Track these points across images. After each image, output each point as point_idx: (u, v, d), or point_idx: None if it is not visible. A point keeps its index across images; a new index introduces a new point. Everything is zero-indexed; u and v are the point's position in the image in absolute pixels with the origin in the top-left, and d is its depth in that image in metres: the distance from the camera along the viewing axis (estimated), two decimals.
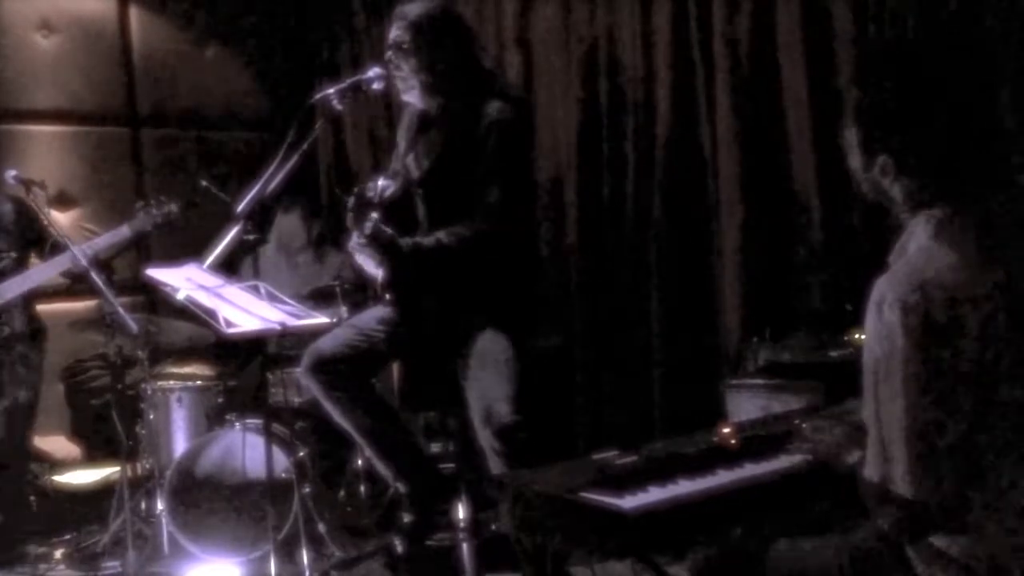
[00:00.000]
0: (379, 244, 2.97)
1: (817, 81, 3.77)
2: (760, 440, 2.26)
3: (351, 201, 3.08)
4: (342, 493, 4.41)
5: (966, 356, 1.69)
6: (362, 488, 4.35)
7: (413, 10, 3.17)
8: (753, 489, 2.08)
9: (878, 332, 1.73)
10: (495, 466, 3.07)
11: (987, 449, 1.71)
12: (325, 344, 3.24)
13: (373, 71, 3.22)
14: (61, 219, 5.10)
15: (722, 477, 2.10)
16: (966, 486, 1.72)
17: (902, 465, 1.71)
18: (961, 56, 1.93)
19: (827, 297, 3.78)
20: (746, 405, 3.41)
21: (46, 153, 5.36)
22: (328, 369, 3.19)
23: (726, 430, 2.26)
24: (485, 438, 3.08)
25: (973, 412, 1.69)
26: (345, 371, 3.20)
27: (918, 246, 1.81)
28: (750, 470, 2.14)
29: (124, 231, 4.19)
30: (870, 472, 1.78)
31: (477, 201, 3.02)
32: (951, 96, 1.83)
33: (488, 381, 3.06)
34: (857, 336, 3.45)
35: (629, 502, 1.90)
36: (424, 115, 3.28)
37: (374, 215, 2.97)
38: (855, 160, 1.92)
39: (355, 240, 3.05)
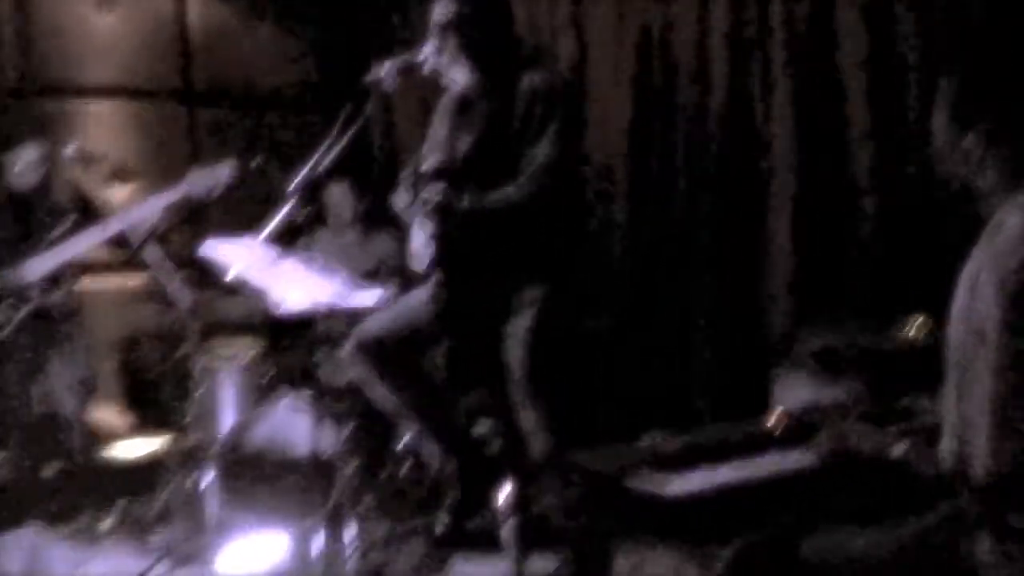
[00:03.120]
0: (435, 209, 2.98)
1: (878, 66, 3.70)
2: (808, 429, 2.24)
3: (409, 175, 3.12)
4: (386, 472, 4.44)
5: None
6: (406, 467, 4.38)
7: None
8: (800, 478, 2.06)
9: (969, 308, 1.70)
10: (537, 447, 3.07)
11: None
12: (371, 325, 3.25)
13: (426, 51, 3.22)
14: (118, 194, 5.17)
15: (766, 465, 2.09)
16: None
17: (982, 444, 1.68)
18: None
19: (881, 286, 3.72)
20: (795, 393, 3.37)
21: (103, 128, 5.45)
22: (374, 350, 3.20)
23: (774, 418, 2.24)
24: (527, 419, 3.08)
25: None
26: (391, 351, 3.21)
27: (1017, 226, 1.76)
28: (797, 459, 2.12)
29: (176, 193, 4.17)
30: (943, 451, 1.75)
31: (529, 163, 3.02)
32: None
33: (533, 359, 3.06)
34: (910, 326, 3.40)
35: (672, 487, 1.89)
36: (464, 95, 3.27)
37: (436, 186, 2.99)
38: (943, 138, 1.87)
39: (403, 207, 3.07)
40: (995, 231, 1.80)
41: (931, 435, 1.85)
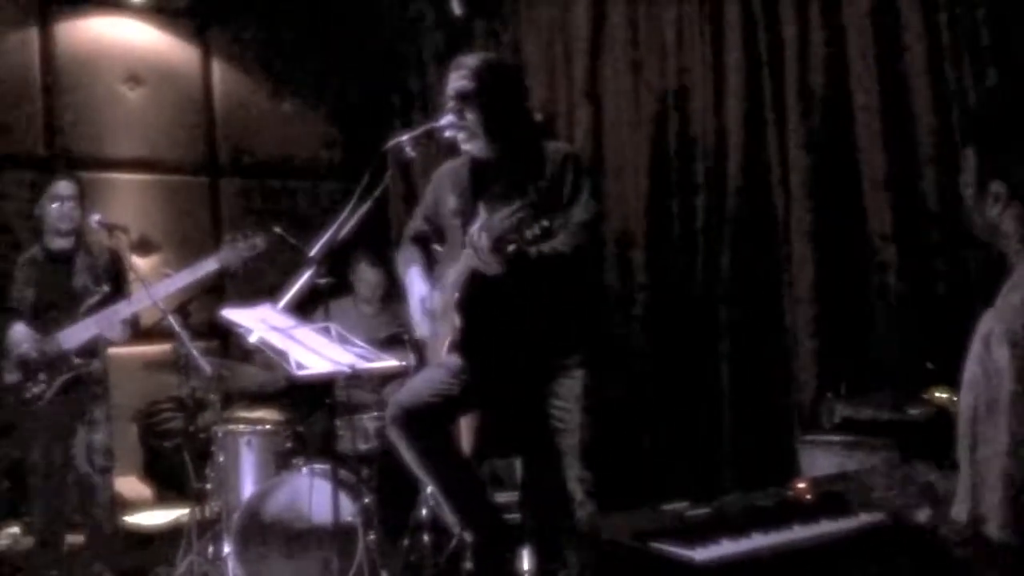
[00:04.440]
0: (506, 254, 2.94)
1: (893, 130, 3.71)
2: (836, 497, 2.20)
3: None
4: (406, 541, 4.38)
5: None
6: (426, 537, 4.32)
7: (473, 60, 3.25)
8: (829, 546, 2.02)
9: (984, 367, 1.68)
10: (582, 511, 3.04)
11: None
12: (408, 396, 3.22)
13: (446, 119, 3.26)
14: (141, 264, 5.23)
15: (797, 532, 2.04)
16: None
17: (996, 507, 1.64)
18: None
19: (906, 353, 3.68)
20: (821, 462, 3.33)
21: (129, 200, 5.54)
22: (413, 422, 3.17)
23: (801, 485, 2.21)
24: (581, 480, 3.06)
25: None
26: (430, 421, 3.19)
27: None
28: (826, 526, 2.08)
29: (212, 263, 4.22)
30: (958, 511, 1.72)
31: (566, 222, 3.04)
32: None
33: (586, 425, 3.06)
34: (937, 395, 3.36)
35: (701, 554, 1.86)
36: (478, 165, 3.31)
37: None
38: (969, 193, 1.89)
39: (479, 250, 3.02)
40: (1011, 288, 1.80)
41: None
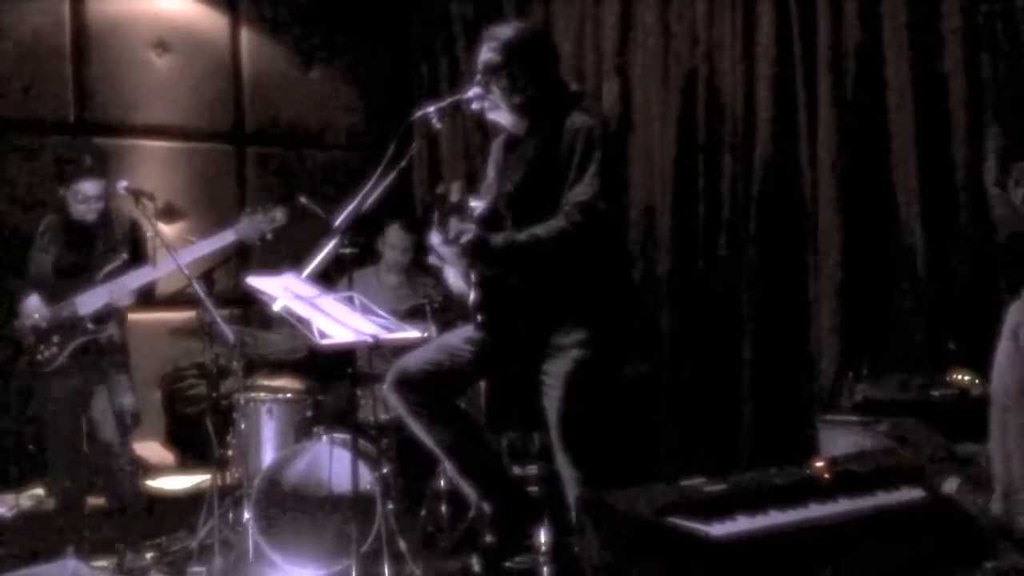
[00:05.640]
0: (467, 246, 2.96)
1: (924, 109, 3.67)
2: (856, 476, 2.19)
3: (437, 201, 3.11)
4: (424, 512, 4.42)
5: None
6: (443, 508, 4.36)
7: (505, 32, 3.21)
8: (847, 524, 2.01)
9: (1012, 358, 1.67)
10: (571, 491, 3.02)
11: None
12: (409, 362, 3.25)
13: (473, 91, 3.24)
14: (167, 231, 5.26)
15: (814, 511, 2.04)
16: None
17: None
18: None
19: (929, 333, 3.65)
20: (840, 442, 3.32)
21: (156, 167, 5.56)
22: (411, 387, 3.19)
23: (820, 463, 2.20)
24: (563, 462, 3.04)
25: None
26: (428, 389, 3.20)
27: None
28: (844, 505, 2.07)
29: (229, 235, 4.25)
30: (995, 507, 1.71)
31: (567, 202, 3.01)
32: None
33: (569, 404, 3.02)
34: (959, 376, 3.33)
35: (717, 529, 1.86)
36: (511, 138, 3.30)
37: (469, 224, 2.98)
38: (992, 176, 1.87)
39: (438, 244, 3.06)
40: None
41: (983, 477, 1.81)
